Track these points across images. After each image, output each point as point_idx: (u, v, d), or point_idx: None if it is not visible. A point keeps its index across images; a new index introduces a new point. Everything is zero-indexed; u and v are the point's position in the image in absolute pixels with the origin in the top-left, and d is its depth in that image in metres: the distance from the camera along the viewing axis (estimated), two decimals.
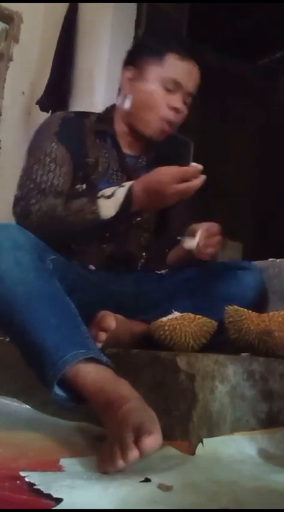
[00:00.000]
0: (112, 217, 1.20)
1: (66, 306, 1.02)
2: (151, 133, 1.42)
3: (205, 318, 1.14)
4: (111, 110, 1.52)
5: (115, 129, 1.47)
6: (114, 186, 1.29)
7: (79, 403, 0.96)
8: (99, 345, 1.08)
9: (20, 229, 1.11)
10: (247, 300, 1.26)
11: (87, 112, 1.55)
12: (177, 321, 1.10)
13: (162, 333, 1.11)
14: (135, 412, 0.82)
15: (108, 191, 1.22)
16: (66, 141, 1.39)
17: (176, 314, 1.14)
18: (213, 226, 1.35)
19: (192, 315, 1.12)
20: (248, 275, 1.36)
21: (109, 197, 1.20)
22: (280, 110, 3.56)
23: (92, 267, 1.42)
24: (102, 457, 0.80)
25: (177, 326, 1.10)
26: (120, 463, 0.76)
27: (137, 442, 0.76)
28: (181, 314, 1.13)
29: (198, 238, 1.29)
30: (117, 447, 0.77)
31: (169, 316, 1.13)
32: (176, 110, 1.39)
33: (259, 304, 1.32)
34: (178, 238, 1.39)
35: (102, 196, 1.22)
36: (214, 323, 1.15)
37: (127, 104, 1.42)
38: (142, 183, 1.21)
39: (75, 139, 1.41)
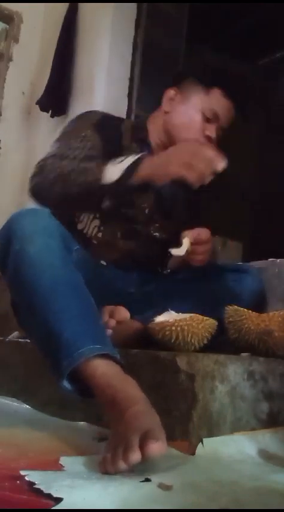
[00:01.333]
0: (113, 182, 1.17)
1: (88, 298, 1.03)
2: None
3: (211, 320, 1.13)
4: (145, 120, 1.57)
5: (150, 140, 1.52)
6: (146, 192, 1.35)
7: (84, 396, 0.96)
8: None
9: (50, 216, 1.11)
10: (245, 303, 1.26)
11: (122, 118, 1.63)
12: (186, 322, 1.09)
13: (168, 333, 1.10)
14: (143, 417, 0.82)
15: (119, 159, 1.20)
16: (102, 132, 1.41)
17: (182, 315, 1.12)
18: (201, 233, 1.33)
19: (200, 317, 1.11)
20: (246, 278, 1.37)
21: (116, 162, 1.19)
22: (280, 109, 3.56)
23: (104, 262, 1.43)
24: (105, 456, 0.80)
25: (186, 327, 1.08)
26: (121, 464, 0.76)
27: (142, 446, 0.76)
28: (189, 315, 1.11)
29: (185, 246, 1.28)
30: (120, 448, 0.77)
31: (176, 316, 1.12)
32: (209, 138, 1.45)
33: (257, 307, 1.32)
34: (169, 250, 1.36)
35: (112, 163, 1.20)
36: (216, 324, 1.15)
37: (169, 121, 1.49)
38: (153, 158, 1.22)
39: (111, 135, 1.44)
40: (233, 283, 1.35)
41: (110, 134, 1.43)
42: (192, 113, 1.47)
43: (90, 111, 1.55)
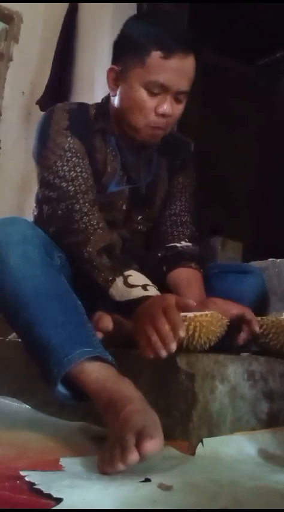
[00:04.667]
0: (114, 300, 1.12)
1: (73, 303, 1.02)
2: (141, 139, 1.32)
3: (225, 319, 1.08)
4: (106, 102, 1.39)
5: (113, 127, 1.36)
6: (121, 189, 1.29)
7: (80, 401, 0.96)
8: None
9: (29, 224, 1.10)
10: (247, 303, 1.25)
11: (86, 104, 1.44)
12: (206, 318, 1.03)
13: (188, 327, 1.03)
14: (138, 415, 0.82)
15: (134, 279, 1.10)
16: (78, 135, 1.31)
17: (201, 312, 1.06)
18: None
19: (219, 315, 1.06)
20: (249, 278, 1.36)
21: (126, 284, 1.09)
22: (280, 109, 3.56)
23: None
24: (102, 457, 0.79)
25: (205, 323, 1.03)
26: (120, 465, 0.75)
27: (138, 445, 0.76)
28: (210, 312, 1.05)
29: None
30: (117, 449, 0.77)
31: (196, 312, 1.05)
32: (164, 115, 1.25)
33: (260, 307, 1.31)
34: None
35: (125, 276, 1.10)
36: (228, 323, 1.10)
37: (116, 105, 1.32)
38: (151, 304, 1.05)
39: (84, 134, 1.33)
40: (236, 283, 1.34)
41: (83, 133, 1.32)
42: (133, 92, 1.24)
43: (53, 113, 1.35)
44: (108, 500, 0.65)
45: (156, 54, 1.20)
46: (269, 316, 1.23)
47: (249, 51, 3.44)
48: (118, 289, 1.09)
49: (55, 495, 0.65)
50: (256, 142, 3.60)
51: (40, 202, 1.30)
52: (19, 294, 0.98)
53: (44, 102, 2.99)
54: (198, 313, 1.04)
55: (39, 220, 1.29)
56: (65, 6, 3.02)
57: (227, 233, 2.83)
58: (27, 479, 0.70)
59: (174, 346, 0.92)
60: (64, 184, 1.24)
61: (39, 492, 0.67)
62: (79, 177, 1.26)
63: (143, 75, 1.22)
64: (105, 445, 0.83)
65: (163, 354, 0.93)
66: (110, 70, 1.31)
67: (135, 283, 1.09)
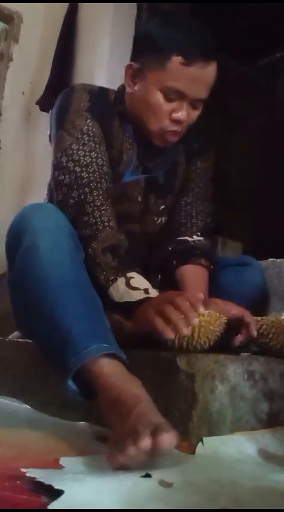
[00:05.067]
0: (113, 300, 1.11)
1: (95, 298, 1.02)
2: (154, 142, 1.30)
3: (224, 318, 1.09)
4: (123, 91, 1.34)
5: (130, 115, 1.32)
6: (136, 179, 1.26)
7: (86, 398, 0.96)
8: None
9: (60, 212, 1.10)
10: (247, 295, 1.25)
11: (105, 88, 1.40)
12: (204, 318, 1.03)
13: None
14: (151, 413, 0.82)
15: (137, 281, 1.10)
16: (97, 118, 1.27)
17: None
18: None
19: (216, 314, 1.07)
20: (248, 271, 1.35)
21: (129, 286, 1.09)
22: (280, 109, 3.57)
23: None
24: (112, 452, 0.78)
25: (203, 323, 1.03)
26: (131, 448, 0.74)
27: (153, 436, 0.75)
28: (207, 311, 1.04)
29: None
30: (129, 440, 0.76)
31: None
32: (177, 122, 1.23)
33: (260, 300, 1.31)
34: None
35: (127, 278, 1.10)
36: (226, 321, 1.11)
37: (133, 103, 1.29)
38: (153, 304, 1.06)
39: (104, 118, 1.29)
40: (235, 276, 1.34)
41: (102, 117, 1.29)
42: (149, 95, 1.22)
43: (74, 92, 1.32)
44: (108, 493, 0.65)
45: (176, 60, 1.17)
46: (269, 316, 1.23)
47: (249, 51, 3.44)
48: (118, 290, 1.09)
49: (56, 487, 0.65)
50: (256, 142, 3.60)
51: (52, 190, 1.26)
52: (45, 279, 0.98)
53: (44, 102, 2.99)
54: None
55: None
56: (65, 6, 3.02)
57: (227, 233, 2.83)
58: (28, 475, 0.70)
59: (196, 321, 0.95)
60: (78, 169, 1.21)
61: (39, 487, 0.67)
62: (94, 164, 1.23)
63: (162, 79, 1.20)
64: (110, 443, 0.83)
65: (186, 331, 0.94)
66: (128, 67, 1.28)
67: (137, 286, 1.08)
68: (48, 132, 1.35)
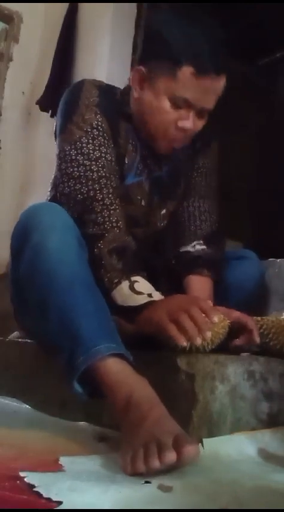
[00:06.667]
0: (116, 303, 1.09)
1: (101, 297, 1.02)
2: (157, 148, 1.30)
3: (227, 320, 1.09)
4: (128, 92, 1.33)
5: (134, 117, 1.31)
6: (140, 182, 1.26)
7: (91, 397, 0.96)
8: None
9: (67, 213, 1.09)
10: (244, 288, 1.24)
11: (112, 85, 1.38)
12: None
13: None
14: (167, 420, 0.82)
15: (141, 286, 1.08)
16: (106, 114, 1.26)
17: None
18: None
19: (221, 316, 1.06)
20: (244, 264, 1.35)
21: (133, 290, 1.07)
22: (280, 109, 3.56)
23: None
24: (131, 456, 0.78)
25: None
26: (156, 463, 0.74)
27: (177, 448, 0.75)
28: None
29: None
30: (152, 448, 0.75)
31: None
32: (183, 130, 1.23)
33: (258, 293, 1.31)
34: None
35: (132, 281, 1.08)
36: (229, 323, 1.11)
37: (139, 107, 1.28)
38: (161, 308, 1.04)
39: (111, 114, 1.28)
40: (232, 270, 1.33)
41: (110, 114, 1.28)
42: (157, 102, 1.21)
43: (83, 85, 1.30)
44: (107, 502, 0.65)
45: (188, 70, 1.16)
46: (269, 316, 1.23)
47: (249, 51, 3.44)
48: (122, 293, 1.07)
49: (55, 498, 0.65)
50: (256, 142, 3.59)
51: (56, 184, 1.24)
52: (54, 277, 0.98)
53: (44, 102, 2.99)
54: None
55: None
56: (65, 6, 3.02)
57: (227, 233, 2.82)
58: (26, 480, 0.70)
59: (209, 334, 0.95)
60: (87, 163, 1.19)
61: (38, 494, 0.67)
62: (103, 158, 1.21)
63: (171, 87, 1.18)
64: (126, 445, 0.82)
65: (199, 341, 0.95)
66: (136, 71, 1.26)
67: (141, 291, 1.07)
68: (54, 128, 1.33)
